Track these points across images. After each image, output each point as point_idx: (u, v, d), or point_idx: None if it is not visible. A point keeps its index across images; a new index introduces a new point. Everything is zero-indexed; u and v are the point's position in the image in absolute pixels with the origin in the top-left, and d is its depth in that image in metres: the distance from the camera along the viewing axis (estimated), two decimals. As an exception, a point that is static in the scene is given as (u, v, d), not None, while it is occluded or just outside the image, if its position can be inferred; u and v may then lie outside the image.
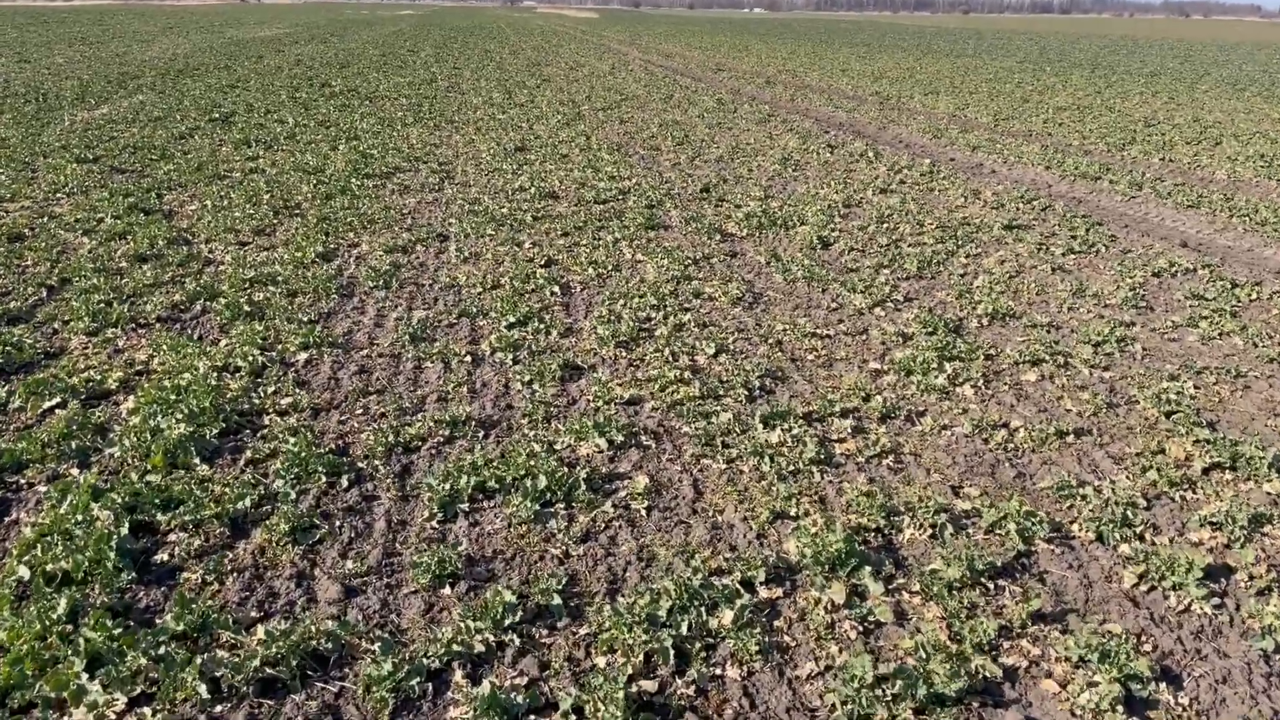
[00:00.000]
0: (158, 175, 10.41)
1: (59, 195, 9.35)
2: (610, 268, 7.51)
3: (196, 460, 4.17)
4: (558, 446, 4.47)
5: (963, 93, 22.82)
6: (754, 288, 7.15)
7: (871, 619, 3.26)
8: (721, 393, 5.14)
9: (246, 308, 6.14)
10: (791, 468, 4.30)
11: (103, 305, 6.14)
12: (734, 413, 4.86)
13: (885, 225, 9.25)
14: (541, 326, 6.10)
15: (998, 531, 3.85)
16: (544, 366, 5.37)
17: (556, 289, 6.89)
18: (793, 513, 3.92)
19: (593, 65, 28.97)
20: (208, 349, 5.43)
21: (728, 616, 3.18)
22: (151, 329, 5.86)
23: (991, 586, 3.49)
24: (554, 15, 72.90)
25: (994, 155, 13.66)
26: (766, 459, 4.33)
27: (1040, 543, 3.79)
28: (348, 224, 8.64)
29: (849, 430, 4.72)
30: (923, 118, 18.01)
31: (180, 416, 4.43)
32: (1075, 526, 3.92)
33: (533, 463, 4.19)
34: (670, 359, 5.61)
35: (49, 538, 3.48)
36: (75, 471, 4.09)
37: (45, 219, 8.38)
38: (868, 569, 3.50)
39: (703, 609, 3.22)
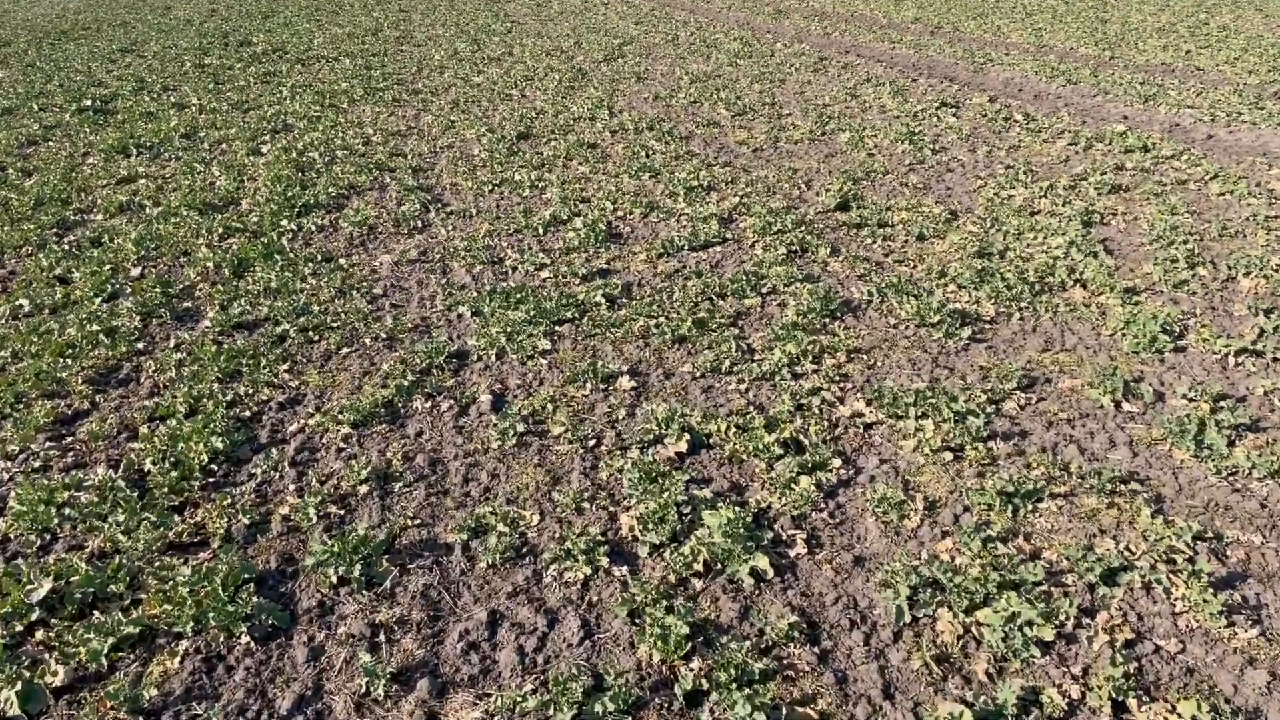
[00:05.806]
0: (-45, 234, 6.27)
1: None
2: (830, 461, 3.64)
3: None
4: None
5: (1008, 12, 18.78)
6: (1181, 508, 3.34)
7: None
8: None
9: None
10: None
11: None
12: None
13: (1203, 272, 5.44)
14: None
15: None
16: None
17: (761, 562, 3.01)
18: None
19: (562, -2, 24.35)
20: None
21: None
22: None
23: None
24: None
25: (1195, 111, 9.80)
26: None
27: None
28: (276, 340, 4.65)
29: None
30: (1014, 52, 14.04)
31: None
32: None
33: None
34: None
35: None
36: None
37: None
38: None
39: None
